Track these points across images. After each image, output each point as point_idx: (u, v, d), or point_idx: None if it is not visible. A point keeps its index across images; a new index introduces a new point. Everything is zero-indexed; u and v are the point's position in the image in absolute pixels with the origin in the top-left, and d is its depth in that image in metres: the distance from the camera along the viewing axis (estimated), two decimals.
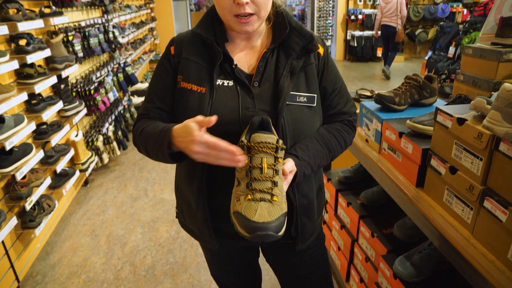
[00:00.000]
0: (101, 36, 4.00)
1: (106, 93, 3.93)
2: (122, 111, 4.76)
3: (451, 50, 5.79)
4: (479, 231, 1.06)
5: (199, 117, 0.89)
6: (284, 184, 0.95)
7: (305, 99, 1.07)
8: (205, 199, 1.09)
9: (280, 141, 0.92)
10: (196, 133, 0.86)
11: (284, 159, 0.99)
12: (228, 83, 1.06)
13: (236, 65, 1.08)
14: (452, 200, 1.17)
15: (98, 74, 3.90)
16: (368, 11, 9.56)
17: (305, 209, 1.16)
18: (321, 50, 1.13)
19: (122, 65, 4.79)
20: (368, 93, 2.08)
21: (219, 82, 1.06)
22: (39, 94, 2.65)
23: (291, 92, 1.05)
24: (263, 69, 1.09)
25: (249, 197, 0.87)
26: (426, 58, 6.61)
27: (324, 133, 1.12)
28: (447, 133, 1.17)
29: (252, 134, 0.91)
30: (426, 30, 9.79)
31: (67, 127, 2.95)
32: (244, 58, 1.11)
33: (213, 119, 0.87)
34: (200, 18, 1.12)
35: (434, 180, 1.25)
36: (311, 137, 1.09)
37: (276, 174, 0.91)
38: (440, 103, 1.69)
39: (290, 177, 0.99)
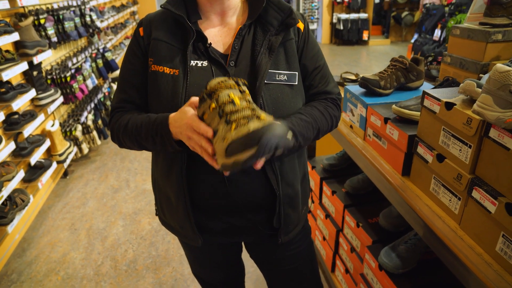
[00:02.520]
0: (77, 19, 3.82)
1: (84, 80, 3.78)
2: (102, 99, 4.61)
3: (437, 32, 5.74)
4: (467, 222, 1.00)
5: (194, 98, 0.87)
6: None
7: (285, 77, 0.99)
8: (185, 192, 1.01)
9: (240, 79, 0.83)
10: (189, 115, 0.84)
11: None
12: (202, 63, 0.98)
13: (210, 44, 0.99)
14: (439, 190, 1.10)
15: (75, 60, 3.74)
16: None
17: (290, 198, 1.08)
18: (301, 25, 1.05)
19: (101, 50, 4.61)
20: (353, 77, 2.00)
21: (192, 63, 0.98)
22: (8, 82, 2.50)
23: (270, 70, 0.97)
24: (239, 47, 1.00)
25: (234, 125, 0.74)
26: (412, 41, 6.54)
27: (307, 107, 1.04)
28: (435, 118, 1.10)
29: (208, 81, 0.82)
30: (412, 13, 9.72)
31: (41, 117, 2.82)
32: (219, 37, 1.03)
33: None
34: None
35: (420, 168, 1.19)
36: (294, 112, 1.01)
37: (251, 103, 0.80)
38: (427, 86, 1.62)
39: None
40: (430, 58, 2.15)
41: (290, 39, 1.02)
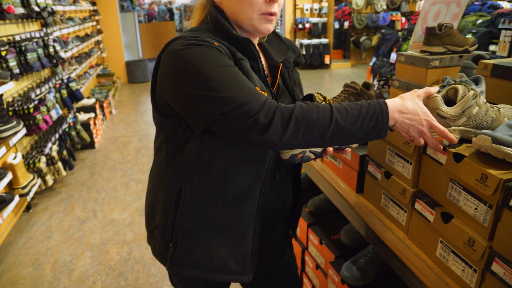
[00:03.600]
0: (40, 50, 3.80)
1: (48, 111, 3.73)
2: (67, 129, 4.54)
3: (393, 56, 6.09)
4: (412, 232, 1.10)
5: (433, 89, 0.95)
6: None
7: None
8: (260, 216, 1.01)
9: None
10: (430, 114, 0.88)
11: None
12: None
13: (268, 74, 1.08)
14: (389, 204, 1.21)
15: (38, 91, 3.70)
16: (315, 19, 9.86)
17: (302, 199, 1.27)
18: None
19: (65, 80, 4.58)
20: None
21: None
22: None
23: None
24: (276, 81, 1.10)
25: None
26: (371, 64, 6.89)
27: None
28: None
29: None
30: (370, 37, 10.26)
31: (3, 149, 2.76)
32: None
33: (436, 90, 0.95)
34: (197, 29, 0.97)
35: (372, 185, 1.29)
36: None
37: None
38: None
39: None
40: (382, 82, 2.31)
41: (298, 75, 1.19)
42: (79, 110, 5.22)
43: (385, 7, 10.04)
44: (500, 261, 0.79)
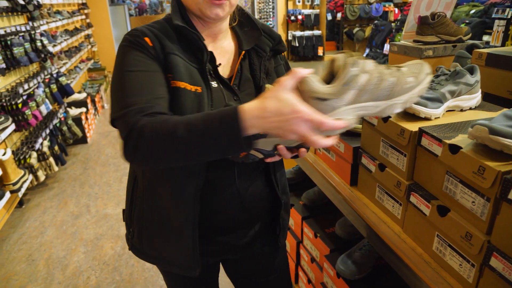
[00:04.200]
0: (27, 45, 3.72)
1: (38, 106, 3.67)
2: (58, 124, 4.48)
3: (386, 47, 6.08)
4: (408, 226, 1.09)
5: (300, 71, 0.70)
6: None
7: None
8: (196, 214, 0.99)
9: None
10: (301, 108, 0.67)
11: None
12: (213, 83, 0.98)
13: (220, 64, 1.01)
14: (383, 197, 1.19)
15: (27, 86, 3.63)
16: (307, 11, 9.79)
17: (285, 205, 1.19)
18: (284, 52, 1.15)
19: (55, 75, 4.50)
20: None
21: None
22: None
23: None
24: (240, 71, 1.05)
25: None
26: (364, 55, 6.87)
27: None
28: (374, 130, 1.19)
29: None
30: (363, 29, 10.22)
31: None
32: (217, 59, 1.04)
33: (307, 71, 0.71)
34: (156, 20, 0.99)
35: (366, 178, 1.28)
36: None
37: None
38: None
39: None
40: None
41: (280, 64, 1.11)
42: (70, 105, 5.15)
43: None
44: (499, 256, 0.78)
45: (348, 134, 1.38)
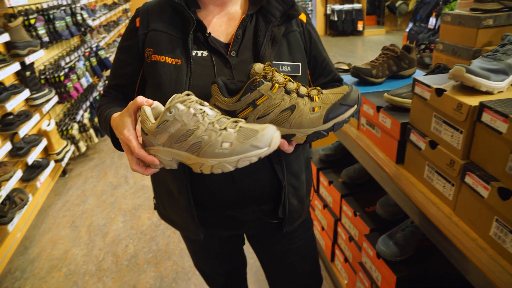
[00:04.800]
0: (68, 19, 3.79)
1: (78, 79, 3.76)
2: (97, 97, 4.59)
3: (432, 21, 5.72)
4: (461, 208, 1.01)
5: (140, 99, 0.81)
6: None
7: (288, 68, 0.99)
8: (188, 185, 1.01)
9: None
10: (124, 131, 0.81)
11: None
12: (202, 53, 0.97)
13: (209, 33, 0.98)
14: (433, 176, 1.11)
15: (68, 60, 3.72)
16: None
17: (294, 188, 1.09)
18: (303, 17, 1.05)
19: (94, 49, 4.59)
20: (346, 67, 2.00)
21: (193, 52, 0.97)
22: (1, 83, 2.49)
23: (274, 62, 0.97)
24: (241, 37, 1.00)
25: (316, 97, 0.83)
26: (407, 30, 6.52)
27: None
28: (426, 105, 1.11)
29: (250, 69, 0.83)
30: (406, 2, 9.67)
31: (37, 117, 2.81)
32: (219, 26, 1.02)
33: (152, 103, 0.81)
34: None
35: (414, 155, 1.20)
36: None
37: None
38: (419, 74, 1.62)
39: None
40: (422, 46, 2.15)
41: (293, 31, 1.02)
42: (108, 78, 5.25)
43: None
44: None
45: (396, 109, 1.29)
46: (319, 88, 0.88)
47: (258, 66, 0.83)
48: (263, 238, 1.26)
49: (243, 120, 0.79)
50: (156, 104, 0.81)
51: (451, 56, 1.73)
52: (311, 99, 0.83)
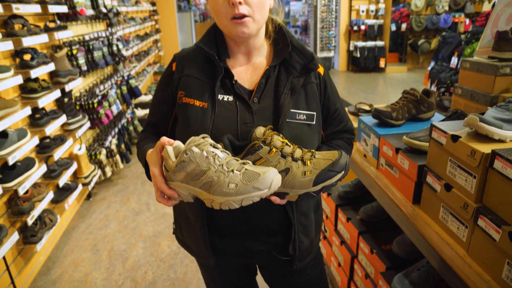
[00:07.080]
0: (105, 49, 4.05)
1: (110, 106, 3.96)
2: (125, 124, 4.79)
3: (454, 60, 5.79)
4: (474, 249, 1.05)
5: (162, 140, 0.94)
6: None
7: (304, 116, 1.09)
8: (203, 213, 1.10)
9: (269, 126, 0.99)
10: (152, 167, 0.94)
11: None
12: (228, 98, 1.08)
13: (236, 80, 1.09)
14: (448, 218, 1.16)
15: (102, 87, 3.94)
16: (370, 21, 9.60)
17: (304, 227, 1.16)
18: (321, 70, 1.15)
19: (125, 77, 4.84)
20: (367, 107, 2.08)
21: (220, 97, 1.08)
22: (43, 108, 2.68)
23: (291, 110, 1.07)
24: (264, 86, 1.10)
25: (309, 162, 0.93)
26: (429, 68, 6.59)
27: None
28: (442, 149, 1.17)
29: (252, 133, 0.95)
30: (429, 41, 9.80)
31: (70, 141, 2.98)
32: (245, 74, 1.13)
33: (173, 143, 0.93)
34: (205, 31, 1.14)
35: (430, 197, 1.25)
36: None
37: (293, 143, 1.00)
38: (438, 117, 1.68)
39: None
40: (442, 89, 2.21)
41: (311, 83, 1.12)
42: (137, 106, 5.48)
43: (447, 8, 9.53)
44: None
45: (414, 152, 1.35)
46: (313, 150, 0.97)
47: (259, 131, 0.94)
48: (273, 270, 1.31)
49: (250, 162, 0.90)
50: (177, 143, 0.93)
51: (469, 100, 1.79)
52: (304, 163, 0.93)
